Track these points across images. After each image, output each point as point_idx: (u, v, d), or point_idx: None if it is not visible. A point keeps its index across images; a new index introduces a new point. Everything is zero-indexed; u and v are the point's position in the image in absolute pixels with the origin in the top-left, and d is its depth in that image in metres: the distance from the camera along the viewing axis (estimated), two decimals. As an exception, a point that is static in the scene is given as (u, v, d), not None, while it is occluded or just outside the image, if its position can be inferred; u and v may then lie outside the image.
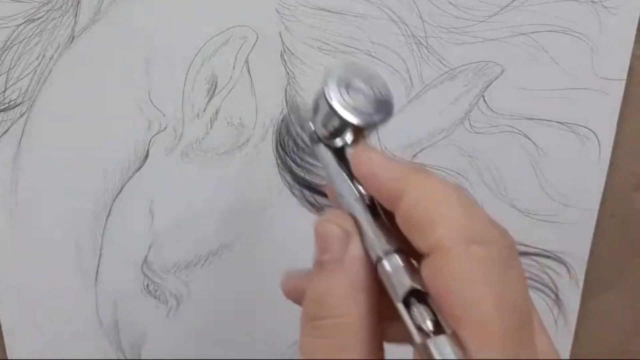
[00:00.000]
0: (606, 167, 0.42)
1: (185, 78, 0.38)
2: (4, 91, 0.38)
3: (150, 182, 0.40)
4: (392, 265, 0.24)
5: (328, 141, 0.27)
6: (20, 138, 0.39)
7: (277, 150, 0.40)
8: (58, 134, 0.39)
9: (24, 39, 0.37)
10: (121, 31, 0.37)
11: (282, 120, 0.40)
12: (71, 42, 0.37)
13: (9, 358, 0.45)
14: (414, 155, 0.41)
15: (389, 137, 0.40)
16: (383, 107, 0.26)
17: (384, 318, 0.25)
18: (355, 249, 0.25)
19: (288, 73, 0.39)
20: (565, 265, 0.45)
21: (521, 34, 0.38)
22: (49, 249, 0.42)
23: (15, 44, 0.37)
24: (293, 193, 0.41)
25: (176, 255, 0.43)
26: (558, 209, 0.43)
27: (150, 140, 0.40)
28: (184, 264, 0.43)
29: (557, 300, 0.46)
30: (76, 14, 0.37)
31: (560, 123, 0.41)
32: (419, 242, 0.23)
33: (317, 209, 0.42)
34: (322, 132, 0.27)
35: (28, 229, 0.41)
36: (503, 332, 0.21)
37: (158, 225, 0.42)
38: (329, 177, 0.28)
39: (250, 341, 0.46)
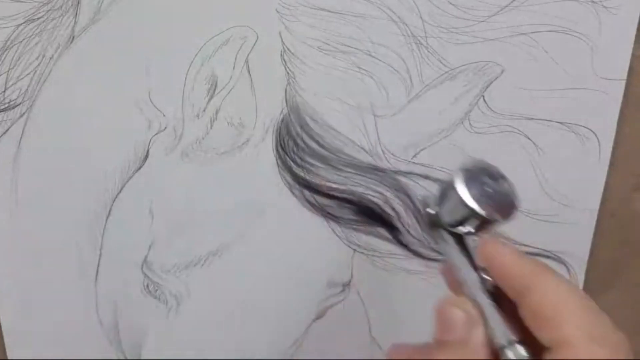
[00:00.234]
0: (606, 167, 0.42)
1: (185, 78, 0.38)
2: (4, 91, 0.38)
3: (150, 182, 0.40)
4: (517, 353, 0.26)
5: (452, 228, 0.29)
6: (20, 138, 0.39)
7: (277, 150, 0.40)
8: (58, 134, 0.39)
9: (24, 39, 0.37)
10: (121, 31, 0.37)
11: (282, 120, 0.40)
12: (71, 42, 0.37)
13: (9, 358, 0.45)
14: (414, 155, 0.41)
15: (389, 137, 0.40)
16: (508, 203, 0.29)
17: None
18: (479, 333, 0.27)
19: (288, 73, 0.39)
20: (565, 265, 0.45)
21: (521, 34, 0.38)
22: (49, 249, 0.42)
23: (15, 44, 0.37)
24: (293, 193, 0.41)
25: (176, 255, 0.43)
26: (558, 209, 0.43)
27: (150, 140, 0.40)
28: (184, 264, 0.43)
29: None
30: (76, 14, 0.37)
31: (560, 123, 0.41)
32: (543, 335, 0.26)
33: (317, 209, 0.42)
34: (447, 219, 0.29)
35: (28, 229, 0.41)
36: None
37: (158, 225, 0.42)
38: (450, 262, 0.29)
39: (250, 341, 0.46)
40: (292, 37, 0.38)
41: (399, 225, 0.42)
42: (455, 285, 0.29)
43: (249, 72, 0.39)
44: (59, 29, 0.37)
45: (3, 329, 0.44)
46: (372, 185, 0.41)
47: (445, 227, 0.30)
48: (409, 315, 0.46)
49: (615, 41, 0.39)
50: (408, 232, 0.43)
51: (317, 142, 0.40)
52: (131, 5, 0.36)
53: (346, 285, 0.45)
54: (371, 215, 0.42)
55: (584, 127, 0.41)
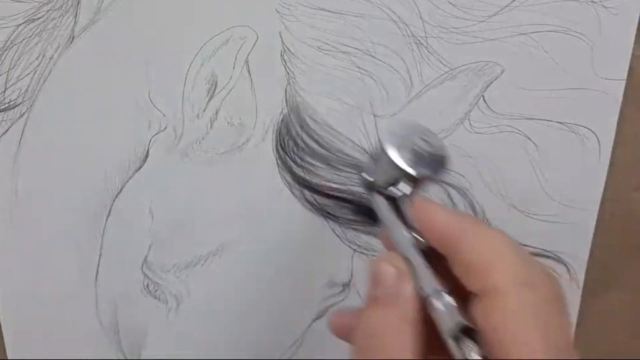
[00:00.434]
0: (606, 167, 0.42)
1: (185, 78, 0.38)
2: (4, 91, 0.38)
3: (150, 182, 0.40)
4: (444, 303, 0.26)
5: (384, 190, 0.30)
6: (20, 138, 0.39)
7: (277, 150, 0.40)
8: (58, 134, 0.39)
9: (24, 39, 0.37)
10: (121, 31, 0.37)
11: (282, 120, 0.40)
12: (71, 42, 0.37)
13: (9, 358, 0.45)
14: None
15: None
16: (439, 160, 0.30)
17: (430, 354, 0.27)
18: (408, 286, 0.27)
19: (288, 73, 0.39)
20: (565, 265, 0.45)
21: (521, 34, 0.38)
22: (49, 249, 0.42)
23: (15, 44, 0.37)
24: (293, 193, 0.41)
25: (176, 255, 0.43)
26: (558, 209, 0.43)
27: (150, 140, 0.40)
28: (184, 264, 0.43)
29: (557, 300, 0.46)
30: (76, 14, 0.37)
31: (560, 123, 0.41)
32: (473, 284, 0.26)
33: (317, 209, 0.42)
34: (379, 181, 0.30)
35: (28, 229, 0.41)
36: None
37: (158, 225, 0.42)
38: (384, 223, 0.30)
39: (250, 341, 0.46)
40: (292, 37, 0.38)
41: (399, 225, 0.42)
42: (390, 248, 0.30)
43: (249, 72, 0.39)
44: (59, 29, 0.37)
45: (3, 329, 0.44)
46: (372, 185, 0.41)
47: (380, 190, 0.30)
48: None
49: (615, 41, 0.39)
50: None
51: (317, 142, 0.40)
52: (131, 5, 0.36)
53: (346, 285, 0.45)
54: (371, 215, 0.42)
55: (584, 127, 0.41)
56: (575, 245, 0.44)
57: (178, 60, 0.38)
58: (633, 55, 0.39)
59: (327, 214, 0.42)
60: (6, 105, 0.38)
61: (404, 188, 0.30)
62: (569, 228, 0.43)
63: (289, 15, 0.37)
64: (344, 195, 0.42)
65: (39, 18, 0.36)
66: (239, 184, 0.41)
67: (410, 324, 0.26)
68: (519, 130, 0.41)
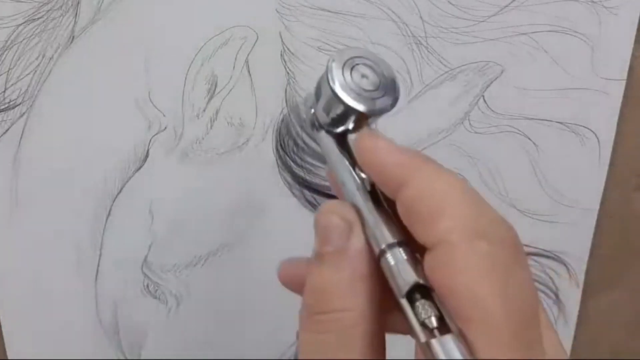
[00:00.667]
0: (606, 167, 0.42)
1: (185, 78, 0.38)
2: (4, 91, 0.38)
3: (150, 182, 0.40)
4: (396, 258, 0.23)
5: (329, 127, 0.27)
6: (20, 138, 0.39)
7: (277, 150, 0.40)
8: (58, 134, 0.39)
9: (24, 39, 0.37)
10: (121, 31, 0.37)
11: (282, 120, 0.40)
12: (71, 42, 0.37)
13: (9, 358, 0.45)
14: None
15: (389, 137, 0.40)
16: (389, 94, 0.26)
17: (386, 310, 0.24)
18: (357, 240, 0.24)
19: (288, 73, 0.39)
20: (565, 265, 0.45)
21: (521, 34, 0.38)
22: (49, 248, 0.42)
23: (15, 44, 0.37)
24: (293, 193, 0.41)
25: (176, 255, 0.43)
26: (558, 209, 0.43)
27: (150, 140, 0.40)
28: (184, 264, 0.43)
29: (557, 300, 0.46)
30: (76, 14, 0.37)
31: (560, 123, 0.41)
32: (422, 235, 0.22)
33: (318, 208, 0.42)
34: (324, 118, 0.26)
35: (28, 229, 0.41)
36: (510, 331, 0.21)
37: (158, 225, 0.42)
38: (330, 164, 0.27)
39: (250, 341, 0.46)
40: (292, 37, 0.38)
41: (399, 225, 0.42)
42: (338, 191, 0.26)
43: (249, 72, 0.39)
44: (59, 29, 0.37)
45: (3, 329, 0.44)
46: (372, 185, 0.41)
47: (324, 127, 0.27)
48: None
49: (615, 41, 0.39)
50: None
51: (317, 142, 0.40)
52: (131, 5, 0.36)
53: (346, 285, 0.44)
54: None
55: (584, 127, 0.41)
56: (575, 245, 0.44)
57: (178, 60, 0.38)
58: (633, 55, 0.39)
59: (327, 214, 0.42)
60: (6, 105, 0.38)
61: (350, 124, 0.26)
62: (569, 228, 0.43)
63: (289, 15, 0.37)
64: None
65: (39, 18, 0.36)
66: (239, 184, 0.41)
67: (361, 280, 0.23)
68: (519, 130, 0.41)
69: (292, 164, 0.41)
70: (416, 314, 0.22)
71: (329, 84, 0.25)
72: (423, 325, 0.21)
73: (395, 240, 0.23)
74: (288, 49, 0.38)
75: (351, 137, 0.26)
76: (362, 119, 0.26)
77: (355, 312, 0.23)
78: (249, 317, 0.45)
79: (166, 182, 0.41)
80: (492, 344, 0.21)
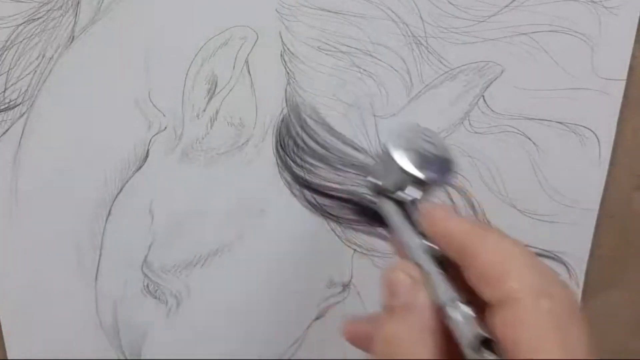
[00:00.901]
0: (606, 167, 0.42)
1: (185, 78, 0.38)
2: (4, 91, 0.38)
3: (150, 182, 0.40)
4: (461, 313, 0.26)
5: (393, 195, 0.30)
6: (20, 138, 0.39)
7: (277, 150, 0.40)
8: (58, 134, 0.39)
9: (24, 39, 0.37)
10: (121, 31, 0.37)
11: (282, 120, 0.40)
12: (71, 42, 0.37)
13: (9, 358, 0.45)
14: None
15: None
16: (446, 165, 0.29)
17: None
18: (424, 295, 0.27)
19: (288, 73, 0.39)
20: (565, 265, 0.45)
21: (521, 34, 0.38)
22: (49, 249, 0.42)
23: (15, 44, 0.37)
24: (293, 193, 0.41)
25: (176, 255, 0.43)
26: (558, 209, 0.43)
27: (150, 140, 0.40)
28: (184, 264, 0.43)
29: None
30: (76, 14, 0.37)
31: (560, 123, 0.41)
32: (489, 293, 0.26)
33: (317, 209, 0.42)
34: (388, 186, 0.30)
35: (28, 229, 0.41)
36: None
37: (158, 225, 0.42)
38: (394, 229, 0.30)
39: (250, 341, 0.46)
40: (292, 37, 0.38)
41: (399, 225, 0.42)
42: (402, 254, 0.29)
43: (249, 72, 0.39)
44: (59, 29, 0.37)
45: (3, 329, 0.44)
46: (372, 185, 0.41)
47: (388, 195, 0.30)
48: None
49: (615, 41, 0.39)
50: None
51: (317, 142, 0.40)
52: (131, 5, 0.36)
53: (346, 285, 0.45)
54: (371, 215, 0.42)
55: (584, 127, 0.41)
56: (575, 245, 0.44)
57: (178, 60, 0.38)
58: (633, 55, 0.39)
59: (327, 214, 0.42)
60: (6, 105, 0.38)
61: (412, 192, 0.29)
62: (569, 228, 0.43)
63: (289, 15, 0.37)
64: (344, 195, 0.42)
65: (39, 18, 0.36)
66: (239, 184, 0.41)
67: (428, 332, 0.26)
68: (519, 130, 0.41)
69: (292, 164, 0.41)
70: None
71: (393, 156, 0.29)
72: None
73: (458, 297, 0.26)
74: (288, 49, 0.38)
75: (413, 205, 0.29)
76: (423, 188, 0.29)
77: None
78: (249, 317, 0.45)
79: (166, 182, 0.41)
80: None
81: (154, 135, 0.39)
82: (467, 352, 0.25)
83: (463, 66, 0.39)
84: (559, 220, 0.43)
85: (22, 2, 0.36)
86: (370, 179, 0.31)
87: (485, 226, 0.28)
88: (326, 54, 0.38)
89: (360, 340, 0.30)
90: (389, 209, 0.30)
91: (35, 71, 0.37)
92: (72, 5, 0.36)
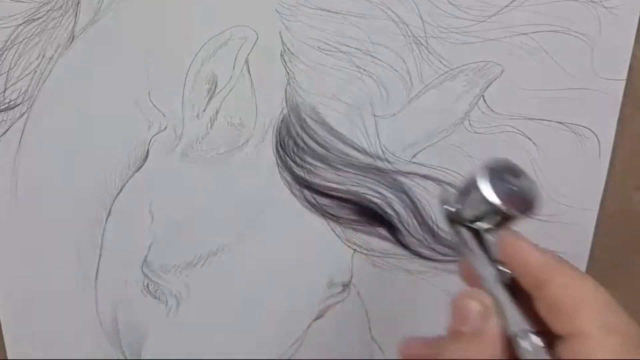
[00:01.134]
0: (606, 167, 0.42)
1: (185, 78, 0.38)
2: (4, 91, 0.38)
3: (150, 182, 0.40)
4: (532, 344, 0.26)
5: (471, 224, 0.30)
6: (20, 138, 0.39)
7: (277, 150, 0.40)
8: (58, 134, 0.39)
9: (24, 39, 0.37)
10: (121, 31, 0.37)
11: (282, 120, 0.40)
12: (71, 42, 0.37)
13: (9, 358, 0.45)
14: (414, 155, 0.41)
15: (389, 137, 0.40)
16: (529, 200, 0.30)
17: None
18: (494, 324, 0.27)
19: (288, 73, 0.39)
20: (565, 265, 0.45)
21: (521, 34, 0.38)
22: (49, 249, 0.42)
23: (15, 44, 0.37)
24: (293, 193, 0.41)
25: (176, 255, 0.43)
26: (558, 209, 0.43)
27: (150, 140, 0.40)
28: (183, 264, 0.43)
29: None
30: (76, 14, 0.37)
31: (560, 123, 0.41)
32: (560, 326, 0.26)
33: (317, 209, 0.42)
34: (468, 215, 0.30)
35: (28, 229, 0.41)
36: None
37: (158, 225, 0.42)
38: (468, 256, 0.30)
39: (250, 341, 0.46)
40: (292, 37, 0.38)
41: (399, 225, 0.42)
42: (472, 281, 0.30)
43: (249, 72, 0.39)
44: (59, 29, 0.37)
45: (3, 329, 0.44)
46: (372, 186, 0.41)
47: (464, 223, 0.30)
48: (409, 315, 0.46)
49: (615, 41, 0.39)
50: (408, 232, 0.43)
51: (317, 142, 0.40)
52: (131, 5, 0.36)
53: (346, 285, 0.45)
54: (371, 215, 0.42)
55: (584, 127, 0.41)
56: (575, 245, 0.44)
57: (178, 60, 0.38)
58: (633, 55, 0.39)
59: (327, 214, 0.42)
60: (6, 105, 0.38)
61: (491, 222, 0.30)
62: (569, 228, 0.43)
63: (289, 15, 0.37)
64: (344, 195, 0.42)
65: (39, 18, 0.36)
66: (239, 184, 0.41)
67: None
68: (519, 130, 0.41)
69: (292, 164, 0.41)
70: None
71: (478, 186, 0.29)
72: None
73: (528, 328, 0.27)
74: (288, 49, 0.38)
75: (490, 235, 0.30)
76: (503, 219, 0.29)
77: None
78: (249, 317, 0.45)
79: (166, 182, 0.41)
80: None
81: (154, 135, 0.39)
82: None
83: (463, 66, 0.39)
84: (559, 220, 0.43)
85: (22, 2, 0.36)
86: (446, 207, 0.31)
87: (559, 258, 0.29)
88: (326, 54, 0.38)
89: None
90: (465, 237, 0.31)
91: (35, 71, 0.37)
92: (72, 5, 0.36)
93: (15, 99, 0.38)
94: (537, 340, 0.26)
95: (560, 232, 0.43)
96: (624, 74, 0.40)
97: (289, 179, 0.41)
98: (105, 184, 0.40)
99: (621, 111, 0.41)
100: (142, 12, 0.37)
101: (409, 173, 0.41)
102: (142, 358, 0.46)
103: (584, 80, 0.40)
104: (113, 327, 0.44)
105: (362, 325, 0.46)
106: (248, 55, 0.38)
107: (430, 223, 0.42)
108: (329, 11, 0.37)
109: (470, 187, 0.30)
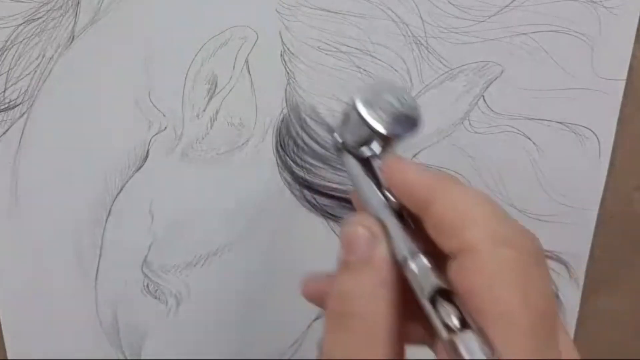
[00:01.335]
0: (606, 167, 0.42)
1: (185, 78, 0.38)
2: (4, 91, 0.38)
3: (150, 182, 0.40)
4: (419, 265, 0.25)
5: (355, 151, 0.29)
6: (20, 138, 0.39)
7: (277, 150, 0.40)
8: (58, 134, 0.39)
9: (24, 39, 0.37)
10: (121, 31, 0.37)
11: (282, 120, 0.40)
12: (71, 42, 0.37)
13: (9, 358, 0.45)
14: (414, 156, 0.41)
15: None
16: (411, 120, 0.28)
17: (406, 319, 0.26)
18: (382, 249, 0.26)
19: (288, 73, 0.39)
20: (565, 265, 0.45)
21: (521, 34, 0.38)
22: (49, 249, 0.42)
23: (15, 44, 0.37)
24: (293, 193, 0.41)
25: (176, 255, 0.43)
26: (558, 209, 0.43)
27: (150, 140, 0.40)
28: (184, 264, 0.43)
29: (557, 301, 0.46)
30: (76, 14, 0.37)
31: (560, 123, 0.41)
32: (448, 244, 0.24)
33: (317, 209, 0.42)
34: (350, 142, 0.29)
35: (28, 229, 0.41)
36: (529, 330, 0.22)
37: (158, 225, 0.42)
38: (355, 184, 0.29)
39: (250, 341, 0.46)
40: (292, 37, 0.38)
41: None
42: (362, 211, 0.28)
43: (249, 72, 0.39)
44: (59, 29, 0.37)
45: (3, 329, 0.44)
46: (372, 185, 0.41)
47: (351, 151, 0.29)
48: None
49: (615, 41, 0.39)
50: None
51: (317, 142, 0.40)
52: (131, 5, 0.36)
53: (346, 285, 0.44)
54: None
55: (584, 127, 0.41)
56: (575, 245, 0.44)
57: (178, 60, 0.38)
58: (633, 55, 0.39)
59: (327, 214, 0.42)
60: (6, 105, 0.38)
61: (375, 148, 0.28)
62: (569, 228, 0.43)
63: (289, 15, 0.37)
64: (344, 195, 0.42)
65: (39, 18, 0.36)
66: (239, 184, 0.41)
67: (385, 288, 0.25)
68: (519, 130, 0.41)
69: (292, 164, 0.41)
70: (439, 316, 0.24)
71: (356, 109, 0.28)
72: (445, 325, 0.23)
73: (418, 250, 0.25)
74: (288, 49, 0.38)
75: (376, 161, 0.29)
76: (386, 143, 0.28)
77: (379, 316, 0.25)
78: (249, 317, 0.45)
79: (166, 182, 0.41)
80: (511, 341, 0.22)
81: (154, 135, 0.39)
82: (424, 303, 0.24)
83: (463, 66, 0.39)
84: (559, 220, 0.43)
85: (22, 2, 0.36)
86: (335, 135, 0.30)
87: (445, 174, 0.27)
88: (326, 54, 0.38)
89: (319, 298, 0.29)
90: (350, 164, 0.29)
91: (35, 71, 0.37)
92: (72, 5, 0.36)
93: (15, 99, 0.38)
94: (424, 260, 0.25)
95: (560, 232, 0.43)
96: (624, 74, 0.40)
97: (289, 179, 0.41)
98: (105, 184, 0.40)
99: (621, 111, 0.41)
100: (142, 12, 0.37)
101: (409, 173, 0.41)
102: (142, 358, 0.46)
103: (584, 80, 0.40)
104: (113, 327, 0.44)
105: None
106: (248, 55, 0.38)
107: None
108: (329, 11, 0.37)
109: (349, 112, 0.28)
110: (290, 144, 0.40)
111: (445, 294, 0.24)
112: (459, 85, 0.39)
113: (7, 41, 0.36)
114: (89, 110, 0.39)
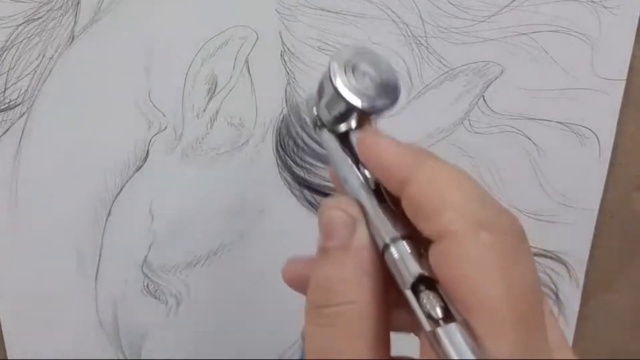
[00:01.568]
0: (606, 167, 0.42)
1: (185, 78, 0.38)
2: (4, 91, 0.38)
3: (150, 182, 0.40)
4: (400, 251, 0.23)
5: (332, 126, 0.27)
6: (20, 138, 0.39)
7: (277, 150, 0.40)
8: (58, 134, 0.39)
9: (24, 39, 0.37)
10: (121, 31, 0.37)
11: (282, 120, 0.40)
12: (71, 42, 0.37)
13: (9, 358, 0.45)
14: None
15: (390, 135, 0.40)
16: (390, 92, 0.26)
17: (390, 306, 0.24)
18: (361, 235, 0.24)
19: (288, 73, 0.39)
20: (565, 265, 0.45)
21: (521, 34, 0.38)
22: (49, 249, 0.42)
23: (15, 44, 0.37)
24: (293, 193, 0.41)
25: (176, 255, 0.43)
26: (558, 209, 0.43)
27: (150, 140, 0.40)
28: (184, 264, 0.43)
29: (557, 300, 0.46)
30: (76, 14, 0.37)
31: (560, 123, 0.41)
32: (426, 228, 0.22)
33: (317, 208, 0.42)
34: (326, 117, 0.27)
35: (28, 229, 0.41)
36: (513, 319, 0.21)
37: (158, 225, 0.42)
38: (332, 162, 0.27)
39: (250, 341, 0.46)
40: (292, 37, 0.38)
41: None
42: (341, 189, 0.27)
43: (249, 72, 0.39)
44: (59, 29, 0.37)
45: (3, 329, 0.44)
46: (372, 185, 0.41)
47: (327, 126, 0.27)
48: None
49: (615, 41, 0.39)
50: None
51: (317, 142, 0.40)
52: (131, 5, 0.36)
53: (346, 285, 0.44)
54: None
55: (584, 127, 0.41)
56: (575, 245, 0.44)
57: (178, 60, 0.38)
58: (633, 55, 0.39)
59: (327, 214, 0.42)
60: (6, 105, 0.38)
61: (352, 122, 0.26)
62: (569, 228, 0.43)
63: (289, 15, 0.37)
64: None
65: (39, 18, 0.36)
66: (239, 184, 0.41)
67: (365, 275, 0.23)
68: (519, 130, 0.41)
69: (292, 164, 0.41)
70: (421, 305, 0.22)
71: (331, 82, 0.25)
72: (428, 316, 0.22)
73: (399, 235, 0.23)
74: (288, 49, 0.38)
75: (353, 136, 0.26)
76: (364, 118, 0.26)
77: (360, 305, 0.23)
78: (249, 317, 0.45)
79: (166, 182, 0.41)
80: (495, 331, 0.21)
81: (154, 135, 0.39)
82: (405, 293, 0.22)
83: (463, 66, 0.39)
84: (559, 220, 0.43)
85: (22, 2, 0.36)
86: (313, 110, 0.28)
87: (425, 152, 0.24)
88: (326, 54, 0.38)
89: (301, 284, 0.27)
90: (328, 141, 0.27)
91: (35, 71, 0.37)
92: (72, 5, 0.36)
93: (15, 99, 0.38)
94: (405, 246, 0.23)
95: (560, 232, 0.43)
96: (624, 74, 0.40)
97: (289, 179, 0.41)
98: (105, 184, 0.40)
99: (621, 111, 0.41)
100: (142, 12, 0.37)
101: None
102: (142, 358, 0.46)
103: (584, 80, 0.40)
104: (113, 327, 0.44)
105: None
106: (248, 55, 0.38)
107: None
108: (329, 11, 0.37)
109: (324, 84, 0.26)
110: (290, 143, 0.40)
111: (429, 282, 0.22)
112: (459, 85, 0.39)
113: (7, 41, 0.36)
114: (89, 110, 0.39)
